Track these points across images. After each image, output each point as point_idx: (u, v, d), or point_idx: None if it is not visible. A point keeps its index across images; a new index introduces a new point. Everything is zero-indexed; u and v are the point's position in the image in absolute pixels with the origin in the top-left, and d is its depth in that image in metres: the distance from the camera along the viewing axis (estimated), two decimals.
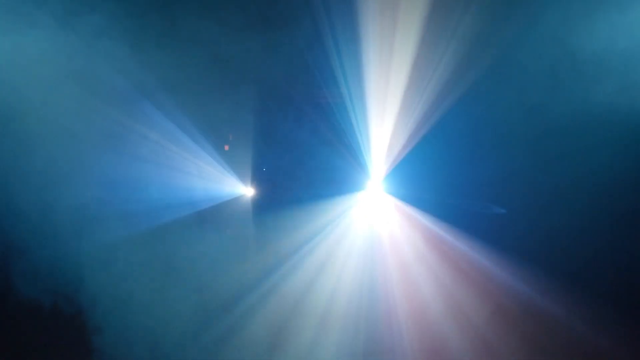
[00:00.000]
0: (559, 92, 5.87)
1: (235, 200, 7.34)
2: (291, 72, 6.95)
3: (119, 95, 6.41)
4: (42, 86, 5.98)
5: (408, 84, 6.54)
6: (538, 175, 6.17)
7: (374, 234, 7.16)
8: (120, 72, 6.32)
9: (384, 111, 6.82)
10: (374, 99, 6.81)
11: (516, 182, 6.31)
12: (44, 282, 6.24)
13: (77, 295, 6.37)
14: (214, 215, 7.18)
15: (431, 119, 6.59)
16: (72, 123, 6.23)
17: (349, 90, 6.85)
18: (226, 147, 7.15)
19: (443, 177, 6.68)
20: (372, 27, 6.45)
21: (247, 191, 7.38)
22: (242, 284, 7.09)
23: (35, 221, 6.17)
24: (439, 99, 6.47)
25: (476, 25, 5.97)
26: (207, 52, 6.69)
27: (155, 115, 6.66)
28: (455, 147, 6.57)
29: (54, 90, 6.05)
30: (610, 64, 5.59)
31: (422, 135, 6.70)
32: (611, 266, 5.84)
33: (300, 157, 7.27)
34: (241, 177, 7.30)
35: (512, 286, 6.24)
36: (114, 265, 6.54)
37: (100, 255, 6.48)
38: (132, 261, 6.62)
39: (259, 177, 7.41)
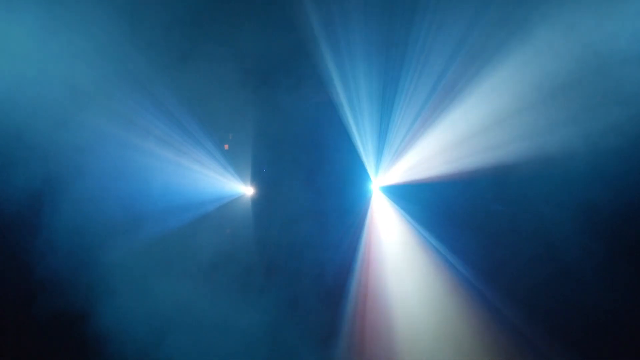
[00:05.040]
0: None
1: (236, 200, 7.36)
2: (295, 70, 6.99)
3: (122, 96, 6.50)
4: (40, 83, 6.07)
5: (413, 86, 6.58)
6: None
7: (374, 232, 7.16)
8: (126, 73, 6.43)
9: (387, 112, 6.84)
10: (377, 99, 6.84)
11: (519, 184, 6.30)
12: (54, 289, 6.32)
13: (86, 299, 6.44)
14: (216, 215, 7.24)
15: (435, 120, 6.61)
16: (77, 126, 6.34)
17: (353, 90, 6.88)
18: (226, 147, 7.17)
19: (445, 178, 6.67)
20: (381, 28, 6.51)
21: (247, 190, 7.41)
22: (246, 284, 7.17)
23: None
24: (444, 99, 6.49)
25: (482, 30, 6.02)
26: (211, 51, 6.77)
27: (158, 115, 6.72)
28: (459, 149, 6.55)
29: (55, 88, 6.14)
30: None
31: (424, 136, 6.71)
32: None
33: (302, 156, 7.30)
34: (242, 177, 7.33)
35: (505, 294, 6.24)
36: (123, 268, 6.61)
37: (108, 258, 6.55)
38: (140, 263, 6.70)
39: (259, 177, 7.43)
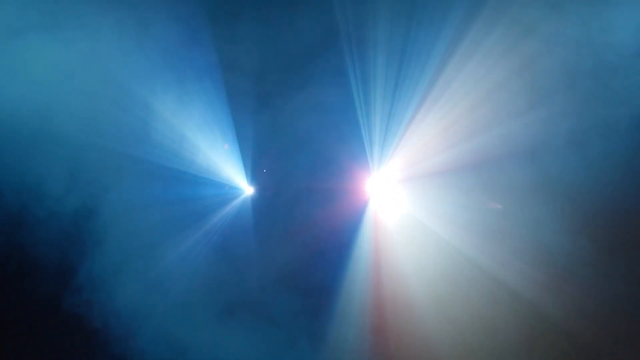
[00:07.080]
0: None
1: (238, 198, 7.39)
2: (297, 71, 6.97)
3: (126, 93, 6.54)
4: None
5: (413, 83, 6.57)
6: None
7: (374, 228, 7.15)
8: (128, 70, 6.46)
9: (387, 108, 6.81)
10: (375, 99, 6.83)
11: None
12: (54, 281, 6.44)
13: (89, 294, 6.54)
14: (218, 213, 7.28)
15: (435, 116, 6.57)
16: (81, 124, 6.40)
17: (353, 90, 6.86)
18: (226, 146, 7.19)
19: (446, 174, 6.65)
20: (382, 26, 6.50)
21: (247, 190, 7.43)
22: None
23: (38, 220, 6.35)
24: (445, 97, 6.47)
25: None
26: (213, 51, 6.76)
27: (159, 113, 6.74)
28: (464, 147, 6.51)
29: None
30: None
31: (424, 131, 6.67)
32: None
33: (303, 153, 7.30)
34: (243, 175, 7.35)
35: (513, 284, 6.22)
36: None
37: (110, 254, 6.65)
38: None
39: (259, 177, 7.44)
